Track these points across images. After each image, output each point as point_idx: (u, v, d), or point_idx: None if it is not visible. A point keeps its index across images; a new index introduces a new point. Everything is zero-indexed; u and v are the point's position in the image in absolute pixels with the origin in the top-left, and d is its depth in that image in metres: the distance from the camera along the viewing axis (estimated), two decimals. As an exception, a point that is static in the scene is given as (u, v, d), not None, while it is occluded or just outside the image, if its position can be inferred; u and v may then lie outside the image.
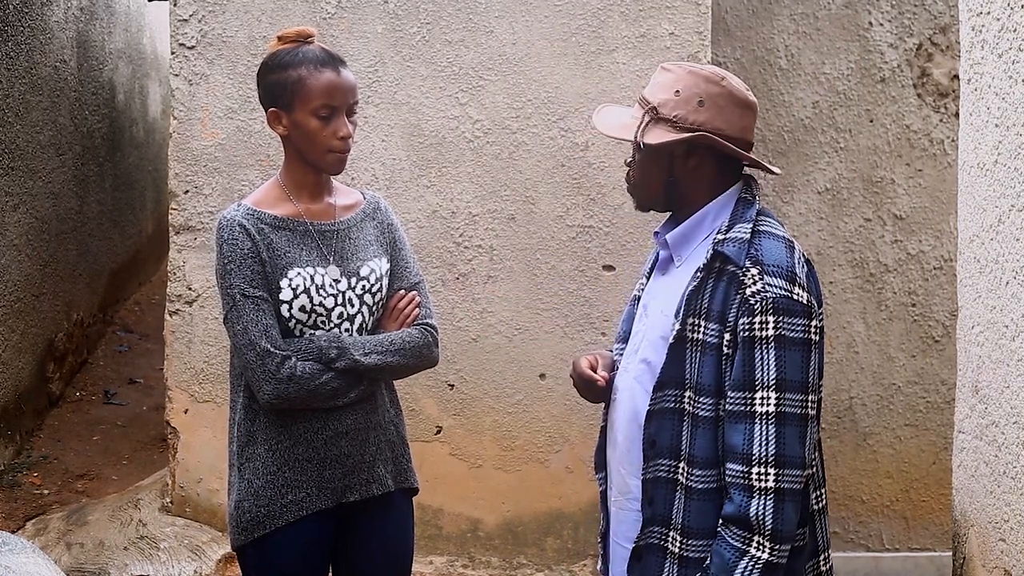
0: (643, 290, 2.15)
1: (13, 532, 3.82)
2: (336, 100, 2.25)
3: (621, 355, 2.14)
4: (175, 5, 3.85)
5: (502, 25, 3.85)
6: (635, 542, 1.99)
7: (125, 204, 6.60)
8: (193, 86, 3.86)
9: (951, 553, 2.34)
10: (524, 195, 3.89)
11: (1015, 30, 1.96)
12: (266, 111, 2.32)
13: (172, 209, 3.89)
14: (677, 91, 1.96)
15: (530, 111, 3.86)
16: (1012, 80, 1.97)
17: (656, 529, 1.96)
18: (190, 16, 3.84)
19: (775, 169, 2.07)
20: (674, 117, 1.96)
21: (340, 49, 3.78)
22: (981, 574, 2.12)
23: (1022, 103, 1.94)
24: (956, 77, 4.15)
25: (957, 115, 4.08)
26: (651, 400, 1.96)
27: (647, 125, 1.97)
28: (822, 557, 2.01)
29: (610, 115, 2.10)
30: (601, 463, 2.18)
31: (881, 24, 4.21)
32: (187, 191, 3.87)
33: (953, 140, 4.19)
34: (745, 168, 2.06)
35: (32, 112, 5.03)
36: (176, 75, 3.86)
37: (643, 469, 1.98)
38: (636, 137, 1.98)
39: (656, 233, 2.11)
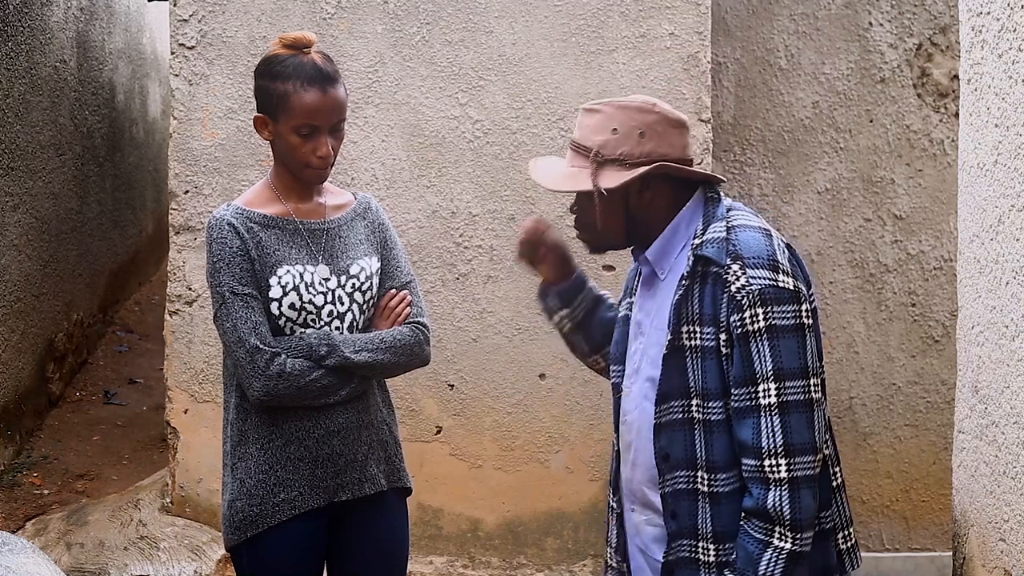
0: (631, 309, 2.14)
1: (13, 532, 3.82)
2: (318, 120, 2.26)
3: (617, 376, 2.13)
4: (175, 5, 3.85)
5: (502, 25, 3.85)
6: (664, 558, 1.98)
7: (125, 204, 6.60)
8: (193, 86, 3.86)
9: (951, 553, 2.33)
10: (524, 195, 3.88)
11: (1015, 30, 1.96)
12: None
13: (172, 209, 3.89)
14: (614, 129, 1.95)
15: (530, 111, 3.86)
16: (1012, 80, 1.97)
17: (685, 542, 1.96)
18: (190, 16, 3.84)
19: (721, 177, 2.08)
20: (620, 155, 1.95)
21: (340, 49, 3.78)
22: (981, 574, 2.12)
23: (1022, 103, 1.94)
24: (956, 77, 4.15)
25: (957, 115, 4.08)
26: (656, 414, 1.96)
27: (596, 170, 1.96)
28: (840, 535, 2.01)
29: (548, 169, 2.08)
30: (617, 486, 2.16)
31: (881, 24, 4.21)
32: (187, 191, 3.87)
33: (953, 140, 4.19)
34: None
35: (32, 112, 5.03)
36: (176, 75, 3.86)
37: (660, 483, 1.97)
38: (594, 185, 1.95)
39: (633, 251, 2.10)
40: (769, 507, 1.84)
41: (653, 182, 1.98)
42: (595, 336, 2.29)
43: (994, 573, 2.06)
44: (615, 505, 2.17)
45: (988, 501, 2.09)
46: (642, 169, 1.94)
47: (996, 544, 2.05)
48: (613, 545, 2.17)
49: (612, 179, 1.95)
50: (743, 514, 1.89)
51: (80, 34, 5.72)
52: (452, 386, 3.91)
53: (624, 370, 2.11)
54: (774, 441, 1.84)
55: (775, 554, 1.84)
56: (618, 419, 2.12)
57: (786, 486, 1.84)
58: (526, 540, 3.95)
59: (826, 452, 1.95)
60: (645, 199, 2.00)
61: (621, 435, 2.12)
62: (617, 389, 2.13)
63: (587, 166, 1.98)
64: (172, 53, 3.86)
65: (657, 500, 2.00)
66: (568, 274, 2.30)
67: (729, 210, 1.98)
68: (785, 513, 1.84)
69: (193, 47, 3.85)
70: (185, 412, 3.90)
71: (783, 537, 1.84)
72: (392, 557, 2.44)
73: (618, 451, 2.15)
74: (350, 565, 2.41)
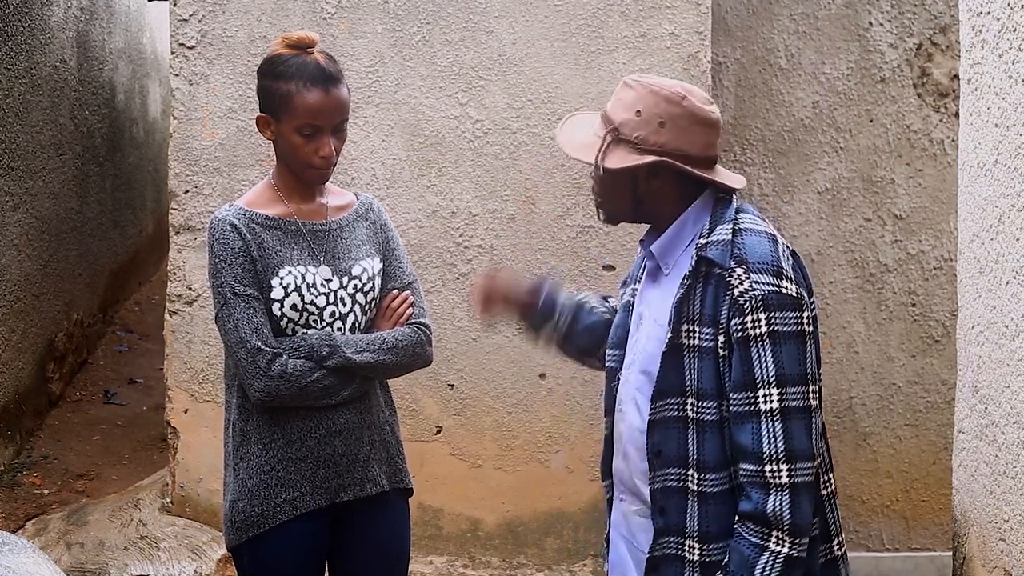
0: (635, 296, 2.14)
1: (13, 532, 3.82)
2: (320, 120, 2.26)
3: (614, 361, 2.13)
4: (175, 5, 3.85)
5: (502, 25, 3.85)
6: (649, 552, 1.99)
7: (125, 204, 6.60)
8: (193, 86, 3.86)
9: (951, 553, 2.34)
10: (524, 195, 3.89)
11: (1015, 30, 1.96)
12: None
13: (172, 209, 3.89)
14: (638, 111, 1.96)
15: (530, 111, 3.86)
16: (1012, 80, 1.97)
17: (671, 539, 1.96)
18: (190, 16, 3.84)
19: (736, 185, 2.04)
20: (635, 139, 1.95)
21: (340, 49, 3.78)
22: (981, 574, 2.12)
23: (1022, 103, 1.94)
24: (956, 77, 4.15)
25: (957, 115, 4.08)
26: (651, 410, 1.97)
27: (607, 147, 1.97)
28: (835, 542, 2.02)
29: (573, 131, 2.08)
30: (607, 472, 2.17)
31: (881, 24, 4.21)
32: (187, 191, 3.87)
33: (953, 140, 4.19)
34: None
35: (32, 112, 5.03)
36: (176, 75, 3.86)
37: (651, 479, 1.98)
38: (596, 161, 1.97)
39: (642, 242, 2.11)
40: (769, 511, 1.84)
41: (662, 172, 1.98)
42: (581, 344, 2.32)
43: (994, 573, 2.06)
44: (607, 490, 2.18)
45: (988, 501, 2.09)
46: (649, 159, 1.94)
47: (996, 544, 2.05)
48: (608, 535, 2.18)
49: (618, 160, 1.96)
50: (738, 518, 1.89)
51: (80, 34, 5.72)
52: (452, 386, 3.91)
53: (623, 357, 2.11)
54: (776, 447, 1.85)
55: (772, 558, 1.84)
56: (612, 404, 2.12)
57: (787, 491, 1.84)
58: (526, 540, 3.95)
59: (820, 459, 1.95)
60: (653, 187, 2.00)
61: (615, 424, 2.12)
62: (613, 375, 2.13)
63: (603, 139, 1.98)
64: (172, 53, 3.86)
65: (647, 493, 2.01)
66: (535, 299, 2.31)
67: (738, 212, 1.98)
68: (785, 518, 1.84)
69: (193, 47, 3.85)
70: (185, 412, 3.91)
71: (780, 541, 1.84)
72: (393, 557, 2.44)
73: (608, 437, 2.15)
74: (351, 565, 2.41)
